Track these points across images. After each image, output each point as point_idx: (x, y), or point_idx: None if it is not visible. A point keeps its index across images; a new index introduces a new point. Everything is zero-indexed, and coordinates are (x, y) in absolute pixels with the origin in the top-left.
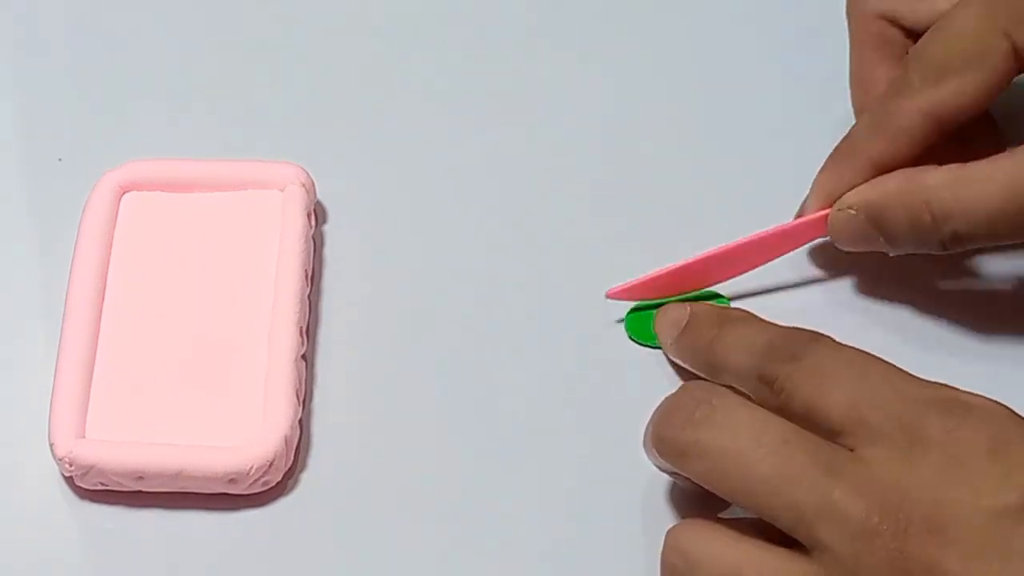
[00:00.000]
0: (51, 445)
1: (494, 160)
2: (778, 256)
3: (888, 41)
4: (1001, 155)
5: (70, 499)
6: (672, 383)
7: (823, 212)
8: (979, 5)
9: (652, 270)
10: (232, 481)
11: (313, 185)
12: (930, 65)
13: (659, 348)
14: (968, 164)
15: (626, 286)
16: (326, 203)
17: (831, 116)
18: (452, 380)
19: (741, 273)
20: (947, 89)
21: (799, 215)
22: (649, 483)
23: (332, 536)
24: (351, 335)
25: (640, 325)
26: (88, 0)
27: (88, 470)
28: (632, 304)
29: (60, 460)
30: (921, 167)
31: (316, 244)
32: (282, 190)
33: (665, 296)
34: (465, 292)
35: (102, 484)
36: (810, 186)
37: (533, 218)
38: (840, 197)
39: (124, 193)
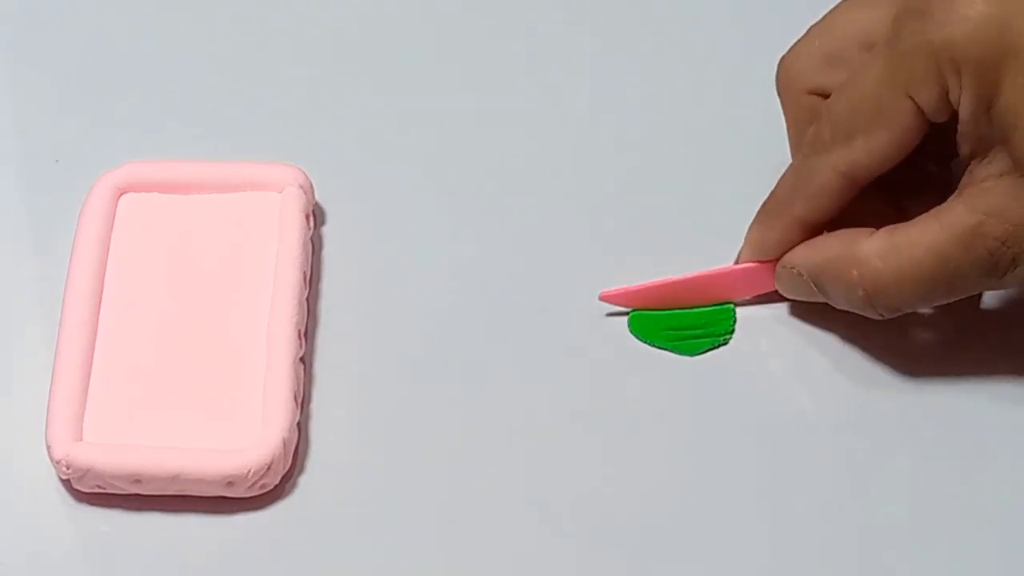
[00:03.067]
0: (48, 448)
1: (493, 162)
2: (733, 297)
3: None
4: (929, 215)
5: (67, 502)
6: (673, 382)
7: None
8: (881, 67)
9: (652, 273)
10: (230, 484)
11: (311, 187)
12: (839, 124)
13: (660, 347)
14: (899, 228)
15: (620, 291)
16: (325, 205)
17: None
18: (451, 382)
19: (720, 300)
20: (856, 148)
21: (738, 260)
22: (649, 482)
23: (330, 539)
24: (349, 338)
25: (642, 323)
26: (86, 1)
27: (85, 473)
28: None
29: (57, 463)
30: (857, 231)
31: (314, 246)
32: (280, 192)
33: (655, 307)
34: (464, 293)
35: (99, 487)
36: (744, 237)
37: (533, 218)
38: (770, 250)
39: (122, 194)
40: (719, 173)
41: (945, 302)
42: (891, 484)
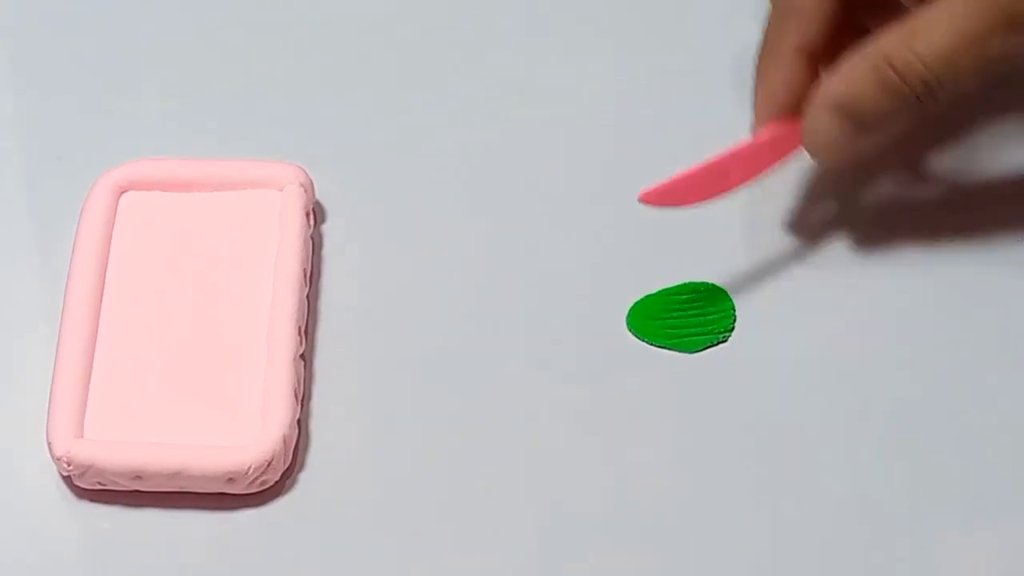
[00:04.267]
0: (49, 444)
1: (493, 160)
2: (769, 166)
3: None
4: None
5: (68, 499)
6: (673, 380)
7: (784, 126)
8: None
9: (652, 275)
10: (231, 481)
11: (312, 185)
12: None
13: (659, 345)
14: (913, 15)
15: (659, 188)
16: (325, 203)
17: None
18: (451, 379)
19: (751, 178)
20: None
21: (755, 117)
22: (650, 480)
23: (331, 536)
24: (350, 335)
25: (641, 321)
26: (87, 0)
27: (86, 470)
28: (634, 301)
29: (58, 460)
30: (866, 43)
31: (315, 244)
32: (281, 190)
33: (697, 198)
34: (464, 291)
35: (100, 484)
36: (752, 100)
37: (532, 217)
38: (781, 93)
39: (123, 192)
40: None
41: (982, 79)
42: (892, 482)
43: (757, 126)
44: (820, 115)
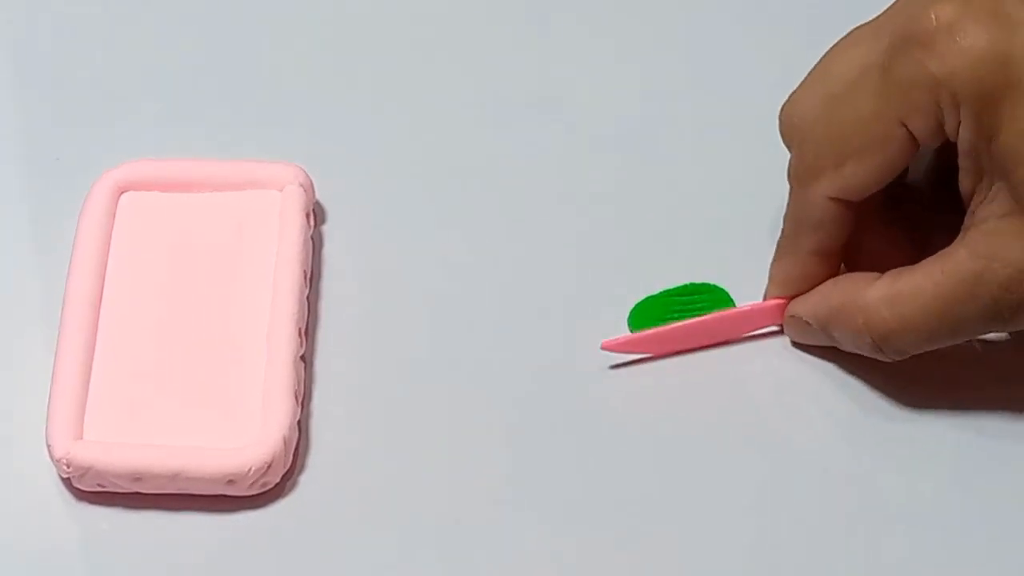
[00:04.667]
0: (49, 446)
1: (494, 161)
2: (748, 332)
3: None
4: (933, 260)
5: (68, 501)
6: (676, 383)
7: (781, 302)
8: (874, 93)
9: (652, 277)
10: (231, 482)
11: (312, 185)
12: (827, 148)
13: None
14: (903, 274)
15: (623, 340)
16: (325, 203)
17: None
18: (451, 381)
19: (720, 343)
20: (846, 173)
21: (766, 296)
22: (651, 482)
23: (331, 538)
24: (350, 336)
25: (644, 323)
26: (87, 1)
27: (86, 471)
28: (635, 302)
29: (58, 461)
30: (862, 277)
31: (315, 244)
32: (281, 190)
33: (656, 352)
34: (465, 292)
35: (100, 485)
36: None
37: (534, 217)
38: (796, 286)
39: (122, 193)
40: (723, 186)
41: (952, 343)
42: (891, 490)
43: (767, 298)
44: (798, 322)
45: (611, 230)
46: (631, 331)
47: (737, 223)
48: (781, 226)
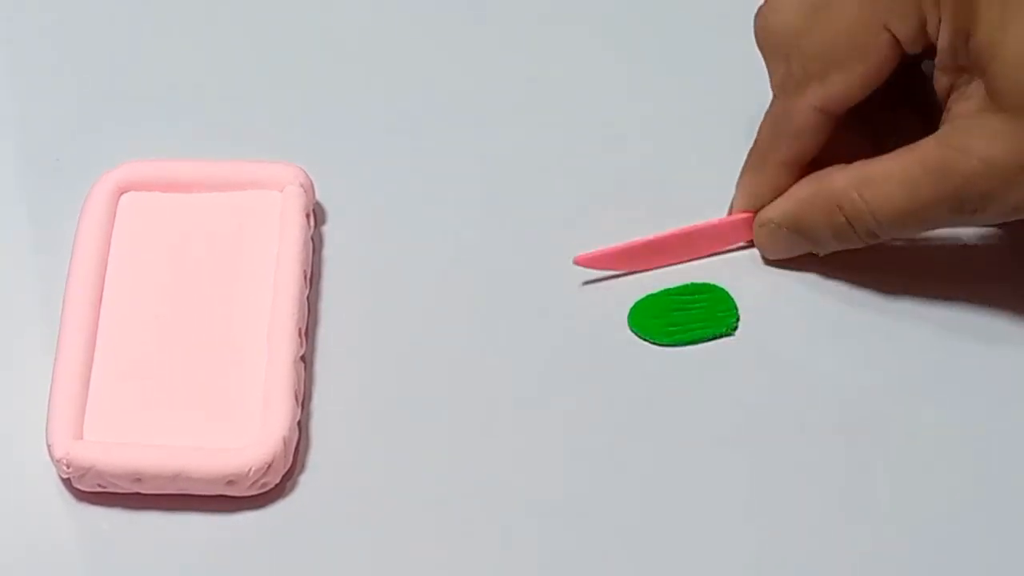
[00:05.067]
0: (49, 446)
1: (494, 161)
2: (716, 250)
3: None
4: (903, 150)
5: (68, 501)
6: (676, 380)
7: (749, 215)
8: (855, 5)
9: (652, 274)
10: (231, 483)
11: (312, 186)
12: (812, 60)
13: (662, 344)
14: (871, 161)
15: (597, 254)
16: (325, 204)
17: None
18: (452, 380)
19: (692, 258)
20: (832, 83)
21: (731, 210)
22: (651, 482)
23: (331, 538)
24: (350, 336)
25: (643, 321)
26: (87, 1)
27: (86, 472)
28: (635, 300)
29: (58, 462)
30: (828, 169)
31: (315, 245)
32: (281, 191)
33: (630, 268)
34: (465, 292)
35: (100, 486)
36: (735, 186)
37: (534, 218)
38: (763, 198)
39: (122, 193)
40: (724, 186)
41: (922, 230)
42: (894, 481)
43: (734, 207)
44: (768, 229)
45: (612, 231)
46: (631, 330)
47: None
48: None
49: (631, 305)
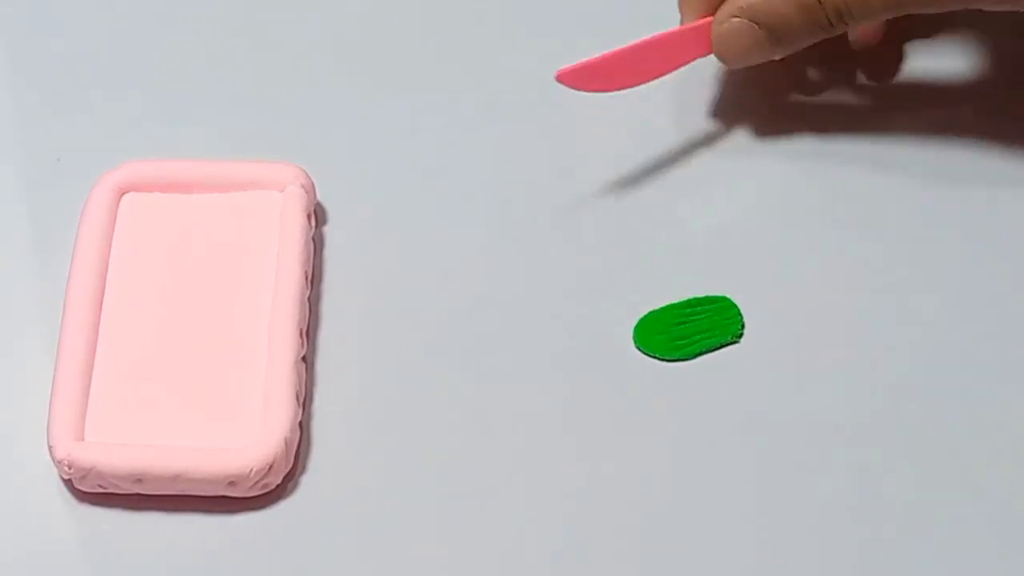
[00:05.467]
0: (50, 447)
1: (494, 161)
2: (687, 59)
3: None
4: None
5: (69, 502)
6: (678, 395)
7: (708, 20)
8: None
9: (652, 290)
10: (232, 484)
11: (313, 186)
12: None
13: (666, 359)
14: None
15: (576, 67)
16: (326, 204)
17: None
18: (453, 383)
19: (670, 68)
20: None
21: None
22: (651, 494)
23: (332, 539)
24: (351, 337)
25: (648, 337)
26: (87, 0)
27: (87, 473)
28: (639, 316)
29: (59, 463)
30: None
31: (316, 245)
32: (282, 191)
33: (612, 83)
34: (466, 295)
35: (101, 487)
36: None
37: (536, 220)
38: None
39: (123, 194)
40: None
41: (890, 15)
42: (899, 490)
43: (683, 18)
44: (733, 19)
45: (616, 235)
46: (636, 345)
47: (742, 235)
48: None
49: (636, 321)
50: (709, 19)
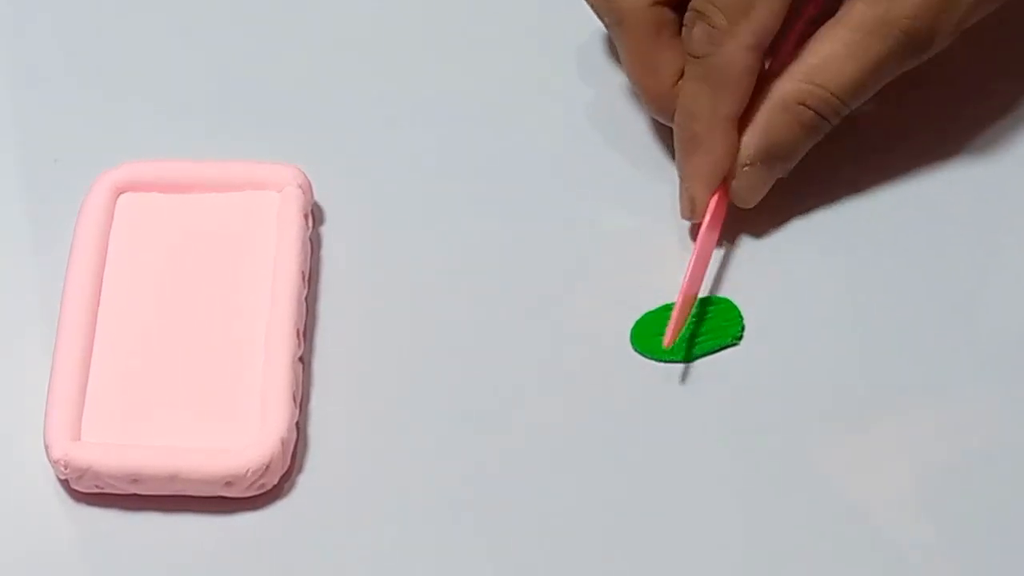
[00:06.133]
0: (46, 448)
1: (493, 161)
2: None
3: (665, 24)
4: (831, 25)
5: (65, 502)
6: (677, 397)
7: (718, 194)
8: None
9: (651, 286)
10: (229, 484)
11: (310, 186)
12: (731, 5)
13: (664, 361)
14: (806, 53)
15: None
16: (323, 204)
17: None
18: (451, 383)
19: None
20: (757, 17)
21: (691, 219)
22: (650, 496)
23: (329, 539)
24: (348, 337)
25: (646, 338)
26: (85, 0)
27: (83, 473)
28: (637, 317)
29: (55, 463)
30: (766, 91)
31: (313, 246)
32: (279, 191)
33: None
34: (464, 295)
35: (98, 487)
36: (680, 191)
37: (535, 221)
38: (725, 167)
39: (121, 194)
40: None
41: (885, 83)
42: (899, 489)
43: (701, 202)
44: (751, 170)
45: (616, 236)
46: (634, 347)
47: (742, 238)
48: (785, 233)
49: (633, 322)
50: (721, 191)
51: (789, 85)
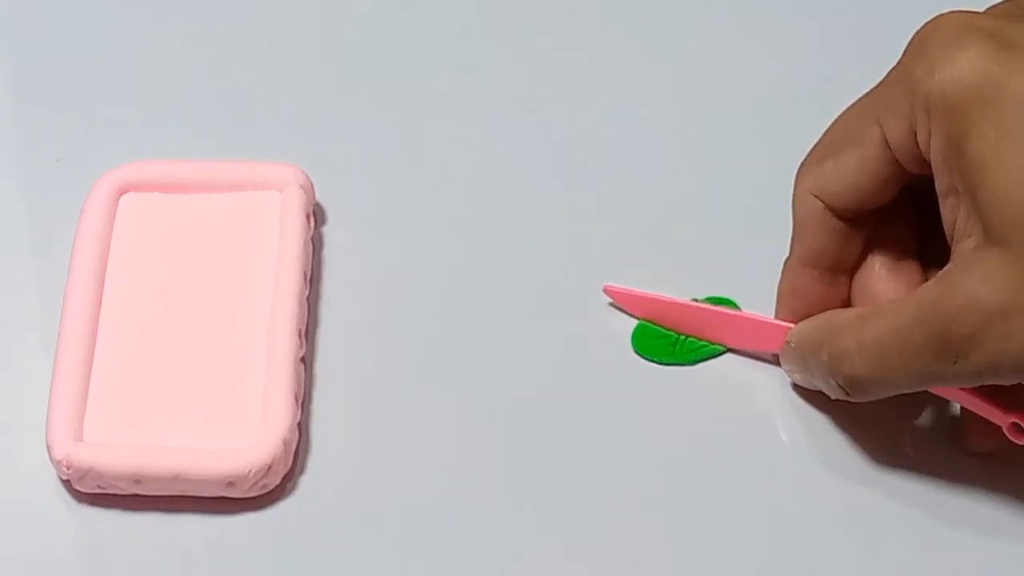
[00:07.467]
0: (48, 448)
1: (494, 161)
2: (756, 348)
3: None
4: (907, 296)
5: (68, 503)
6: (677, 399)
7: (787, 325)
8: (866, 96)
9: (654, 288)
10: (231, 484)
11: (312, 186)
12: (818, 147)
13: (663, 363)
14: (874, 307)
15: (624, 290)
16: (325, 204)
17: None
18: (452, 383)
19: (726, 344)
20: (825, 168)
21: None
22: (651, 498)
23: (331, 540)
24: (350, 337)
25: (646, 341)
26: (87, 0)
27: (86, 473)
28: (639, 320)
29: (57, 463)
30: (840, 310)
31: (315, 246)
32: (281, 191)
33: (652, 319)
34: (465, 295)
35: (100, 487)
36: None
37: (536, 221)
38: (785, 301)
39: (122, 194)
40: (731, 196)
41: (911, 390)
42: (890, 495)
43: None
44: (786, 345)
45: (617, 236)
46: (635, 350)
47: (742, 239)
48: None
49: (635, 325)
50: (789, 325)
51: (840, 317)
